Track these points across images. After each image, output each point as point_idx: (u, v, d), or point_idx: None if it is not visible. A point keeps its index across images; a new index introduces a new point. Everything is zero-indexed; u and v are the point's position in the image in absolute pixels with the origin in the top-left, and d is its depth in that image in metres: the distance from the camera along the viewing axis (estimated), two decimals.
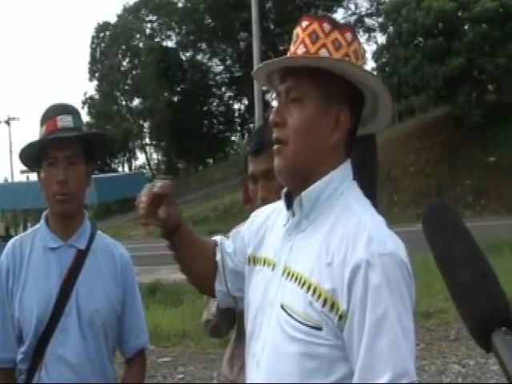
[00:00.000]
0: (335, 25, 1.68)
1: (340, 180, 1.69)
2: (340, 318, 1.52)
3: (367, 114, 1.76)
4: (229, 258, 1.92)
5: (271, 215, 1.87)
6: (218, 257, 1.93)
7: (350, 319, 1.51)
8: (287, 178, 1.71)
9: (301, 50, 1.67)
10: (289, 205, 1.73)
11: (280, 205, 1.83)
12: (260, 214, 1.92)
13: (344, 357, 1.54)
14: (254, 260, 1.84)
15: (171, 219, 1.81)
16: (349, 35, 1.68)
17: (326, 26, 1.66)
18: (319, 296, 1.55)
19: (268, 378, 1.64)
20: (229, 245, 1.95)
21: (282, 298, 1.64)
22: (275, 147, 1.70)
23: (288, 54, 1.72)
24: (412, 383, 1.46)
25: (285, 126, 1.68)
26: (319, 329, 1.54)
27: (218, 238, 2.00)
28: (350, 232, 1.57)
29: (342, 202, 1.66)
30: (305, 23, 1.69)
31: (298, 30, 1.71)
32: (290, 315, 1.59)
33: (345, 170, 1.71)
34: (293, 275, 1.63)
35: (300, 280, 1.60)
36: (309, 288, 1.57)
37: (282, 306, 1.62)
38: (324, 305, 1.54)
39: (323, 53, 1.65)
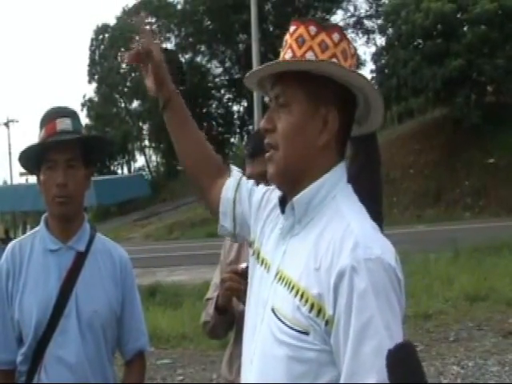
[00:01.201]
0: (322, 27, 1.68)
1: (333, 183, 1.68)
2: (326, 323, 1.52)
3: (362, 113, 1.76)
4: (242, 203, 1.93)
5: (275, 210, 1.83)
6: (231, 194, 1.94)
7: (335, 325, 1.51)
8: (279, 182, 1.73)
9: (288, 55, 1.69)
10: (283, 209, 1.74)
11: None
12: (271, 197, 1.89)
13: (332, 361, 1.54)
14: (258, 255, 1.84)
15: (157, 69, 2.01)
16: (336, 36, 1.68)
17: (312, 29, 1.67)
18: (306, 301, 1.55)
19: (259, 380, 1.65)
20: (246, 190, 1.95)
21: (273, 301, 1.65)
22: (267, 154, 1.72)
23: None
24: None
25: (274, 132, 1.69)
26: (306, 333, 1.54)
27: (234, 170, 2.04)
28: (337, 237, 1.57)
29: (333, 206, 1.66)
30: (292, 28, 1.70)
31: (286, 36, 1.72)
32: (279, 319, 1.60)
33: (338, 172, 1.70)
34: (284, 279, 1.64)
35: (289, 284, 1.61)
36: (297, 292, 1.58)
37: (273, 310, 1.63)
38: (311, 310, 1.54)
39: (309, 55, 1.65)
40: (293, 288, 1.59)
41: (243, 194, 1.94)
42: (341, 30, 1.72)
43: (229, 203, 1.94)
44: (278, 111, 1.70)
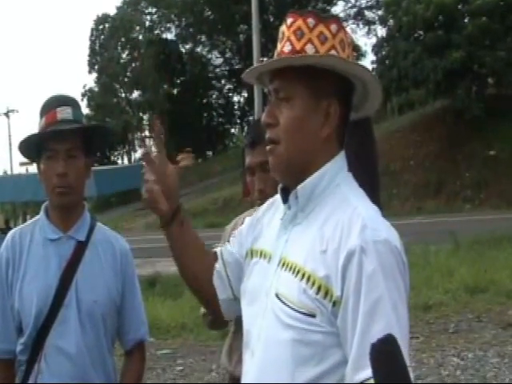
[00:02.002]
0: (320, 18, 1.68)
1: (335, 172, 1.70)
2: (334, 304, 1.53)
3: (359, 98, 1.77)
4: (231, 263, 1.93)
5: (268, 210, 1.90)
6: (220, 266, 1.94)
7: (343, 305, 1.52)
8: (282, 175, 1.73)
9: (287, 48, 1.68)
10: (285, 199, 1.75)
11: (278, 199, 1.85)
12: (259, 211, 1.95)
13: (338, 343, 1.55)
14: (251, 253, 1.85)
15: (171, 201, 1.86)
16: (334, 27, 1.69)
17: (311, 21, 1.67)
18: (313, 283, 1.56)
19: (262, 367, 1.64)
20: (229, 251, 1.95)
21: (277, 287, 1.65)
22: (268, 147, 1.72)
23: (275, 53, 1.73)
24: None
25: (276, 126, 1.69)
26: (313, 316, 1.55)
27: (217, 249, 2.00)
28: (344, 220, 1.58)
29: (338, 193, 1.68)
30: (289, 20, 1.70)
31: (283, 28, 1.72)
32: (284, 303, 1.60)
33: (339, 161, 1.72)
34: (288, 265, 1.65)
35: (295, 269, 1.62)
36: (303, 276, 1.59)
37: (277, 295, 1.63)
38: (318, 292, 1.55)
39: (309, 48, 1.66)
40: (298, 272, 1.60)
41: (228, 250, 1.95)
42: (338, 20, 1.73)
43: (220, 273, 1.93)
44: (278, 105, 1.70)
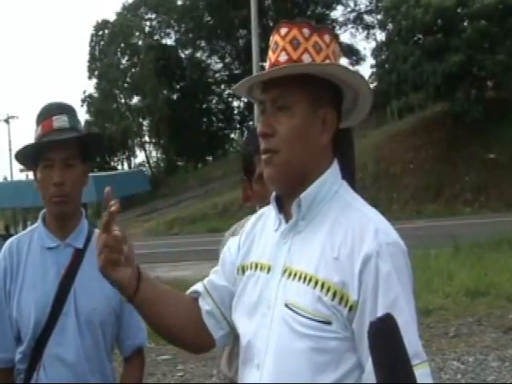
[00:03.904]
0: (314, 28, 1.69)
1: (333, 179, 1.72)
2: (350, 309, 1.56)
3: (345, 108, 1.78)
4: (224, 299, 1.88)
5: (257, 222, 1.89)
6: (211, 305, 1.89)
7: (360, 309, 1.55)
8: (281, 185, 1.73)
9: (283, 58, 1.67)
10: (279, 208, 1.75)
11: (266, 210, 1.87)
12: (246, 225, 1.93)
13: (351, 348, 1.58)
14: (242, 268, 1.83)
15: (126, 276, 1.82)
16: (327, 37, 1.70)
17: (306, 31, 1.68)
18: (328, 290, 1.57)
19: (277, 379, 1.63)
20: (220, 286, 1.90)
21: (285, 297, 1.65)
22: (265, 157, 1.70)
23: (267, 63, 1.73)
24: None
25: (274, 135, 1.68)
26: (329, 323, 1.57)
27: (198, 286, 1.96)
28: (354, 226, 1.61)
29: (339, 200, 1.69)
30: (284, 30, 1.69)
31: (276, 38, 1.70)
32: (296, 313, 1.61)
33: (336, 169, 1.74)
34: (295, 274, 1.65)
35: (305, 278, 1.62)
36: (316, 284, 1.59)
37: (287, 305, 1.63)
38: (333, 298, 1.57)
39: (306, 58, 1.66)
40: (310, 280, 1.61)
41: (218, 285, 1.91)
42: (330, 31, 1.74)
43: (213, 313, 1.89)
44: (275, 114, 1.69)
